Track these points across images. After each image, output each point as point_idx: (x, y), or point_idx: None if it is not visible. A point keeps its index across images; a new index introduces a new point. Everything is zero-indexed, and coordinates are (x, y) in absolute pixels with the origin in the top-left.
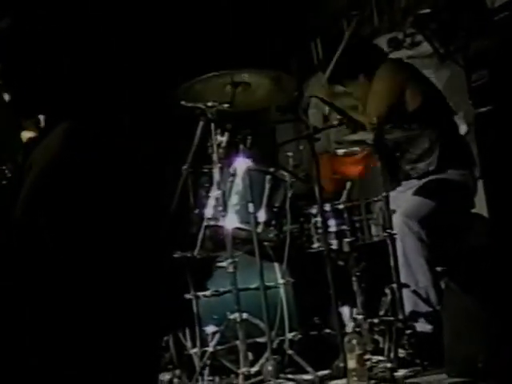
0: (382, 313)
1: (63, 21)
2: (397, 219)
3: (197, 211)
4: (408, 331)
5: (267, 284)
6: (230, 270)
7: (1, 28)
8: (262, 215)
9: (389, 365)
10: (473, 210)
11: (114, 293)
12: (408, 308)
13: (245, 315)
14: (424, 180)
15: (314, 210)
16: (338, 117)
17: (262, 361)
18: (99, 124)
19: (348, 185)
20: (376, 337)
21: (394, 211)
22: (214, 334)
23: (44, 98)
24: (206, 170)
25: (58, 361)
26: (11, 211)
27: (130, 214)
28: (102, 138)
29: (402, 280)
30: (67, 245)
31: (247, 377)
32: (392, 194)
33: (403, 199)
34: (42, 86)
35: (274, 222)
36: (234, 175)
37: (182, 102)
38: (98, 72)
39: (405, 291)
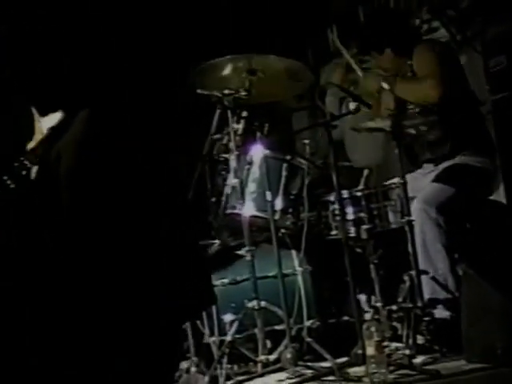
0: (400, 300)
1: (65, 17)
2: (416, 206)
3: (214, 199)
4: (426, 318)
5: (285, 272)
6: (248, 258)
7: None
8: (279, 203)
9: (407, 351)
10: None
11: (135, 282)
12: (426, 295)
13: (263, 303)
14: (442, 166)
15: (331, 198)
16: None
17: (280, 348)
18: (116, 110)
19: (365, 172)
20: (394, 324)
21: (412, 198)
22: (232, 322)
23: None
24: (222, 159)
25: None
26: (42, 200)
27: (153, 200)
28: (118, 122)
29: (421, 267)
30: (107, 229)
31: (265, 365)
32: (411, 176)
33: (421, 183)
34: (48, 84)
35: (291, 210)
36: (250, 163)
37: (199, 90)
38: (109, 61)
39: (423, 278)
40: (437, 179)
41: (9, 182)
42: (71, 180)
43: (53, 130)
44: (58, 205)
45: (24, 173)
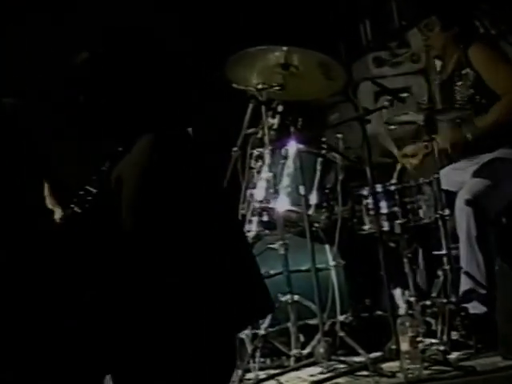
0: (434, 295)
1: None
2: (461, 199)
3: (248, 192)
4: (461, 313)
5: (318, 266)
6: (281, 251)
7: (82, 60)
8: (313, 197)
9: (442, 347)
10: None
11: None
12: (465, 288)
13: (296, 297)
14: (482, 160)
15: (365, 192)
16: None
17: (313, 343)
18: (176, 133)
19: (398, 166)
20: (428, 319)
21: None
22: None
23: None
24: (257, 153)
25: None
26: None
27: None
28: (183, 146)
29: (464, 260)
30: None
31: (298, 359)
32: (445, 170)
33: (458, 178)
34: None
35: (325, 204)
36: (285, 157)
37: (234, 85)
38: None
39: (463, 272)
40: (479, 173)
41: (75, 207)
42: (135, 205)
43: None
44: (117, 230)
45: (89, 198)
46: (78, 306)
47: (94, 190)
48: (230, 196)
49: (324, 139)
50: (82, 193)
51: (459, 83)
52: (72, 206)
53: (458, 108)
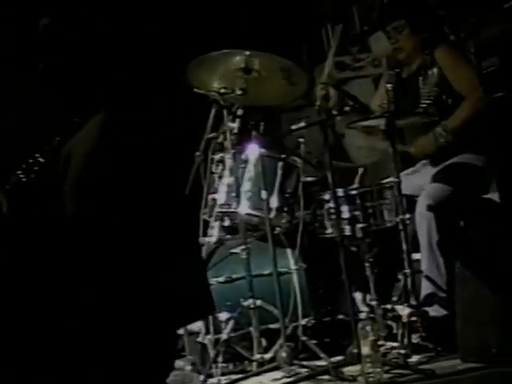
0: (395, 298)
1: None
2: (422, 204)
3: (209, 197)
4: (419, 317)
5: (280, 270)
6: (243, 256)
7: (41, 26)
8: (274, 201)
9: (402, 351)
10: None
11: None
12: (426, 292)
13: (258, 302)
14: (442, 164)
15: (326, 196)
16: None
17: (275, 347)
18: (131, 112)
19: (360, 170)
20: (389, 322)
21: (406, 196)
22: (227, 320)
23: (80, 93)
24: (218, 157)
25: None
26: (47, 199)
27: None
28: (136, 125)
29: (424, 264)
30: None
31: (261, 363)
32: (404, 174)
33: (417, 181)
34: (78, 82)
35: (286, 209)
36: (246, 162)
37: (196, 89)
38: (128, 60)
39: (423, 276)
40: (438, 178)
41: (21, 175)
42: (79, 182)
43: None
44: (58, 206)
45: (36, 168)
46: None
47: (43, 160)
48: (184, 190)
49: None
50: (30, 161)
51: (424, 84)
52: (18, 172)
53: (419, 113)
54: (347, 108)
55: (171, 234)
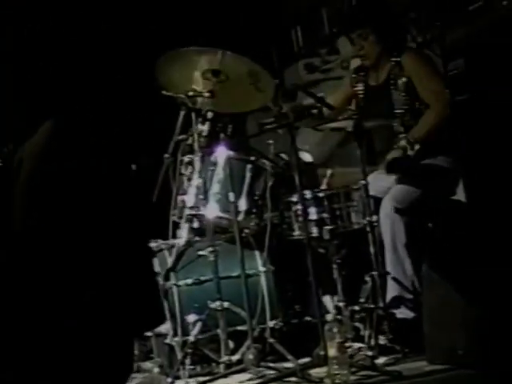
0: (362, 300)
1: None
2: (386, 205)
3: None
4: (386, 319)
5: (248, 272)
6: (211, 258)
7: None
8: (242, 204)
9: (369, 352)
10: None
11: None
12: (392, 295)
13: (226, 304)
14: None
15: (294, 198)
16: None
17: (243, 349)
18: (82, 120)
19: (328, 173)
20: (357, 324)
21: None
22: (195, 322)
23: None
24: (188, 160)
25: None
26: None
27: (115, 208)
28: (85, 133)
29: (389, 267)
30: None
31: (228, 365)
32: (372, 176)
33: (384, 183)
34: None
35: (254, 211)
36: (215, 164)
37: (163, 92)
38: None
39: (389, 278)
40: (405, 179)
41: None
42: (27, 187)
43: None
44: (9, 210)
45: None
46: None
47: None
48: (137, 198)
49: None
50: None
51: (396, 91)
52: None
53: (385, 116)
54: (314, 111)
55: (120, 239)
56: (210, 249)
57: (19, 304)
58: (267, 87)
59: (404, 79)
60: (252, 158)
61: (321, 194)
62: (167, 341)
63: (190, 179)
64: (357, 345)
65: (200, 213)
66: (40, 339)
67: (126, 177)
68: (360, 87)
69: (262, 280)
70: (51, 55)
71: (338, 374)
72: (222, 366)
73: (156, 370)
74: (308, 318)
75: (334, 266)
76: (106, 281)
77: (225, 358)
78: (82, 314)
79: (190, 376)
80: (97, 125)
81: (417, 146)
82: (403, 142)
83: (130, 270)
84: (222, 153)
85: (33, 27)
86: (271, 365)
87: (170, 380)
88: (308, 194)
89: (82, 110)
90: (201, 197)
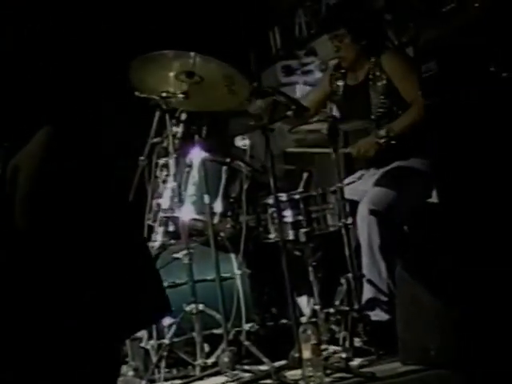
0: (337, 302)
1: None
2: (363, 208)
3: (153, 202)
4: (361, 321)
5: (223, 275)
6: (186, 261)
7: None
8: (218, 206)
9: (344, 355)
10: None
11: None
12: (367, 297)
13: (201, 307)
14: (385, 168)
15: (270, 201)
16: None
17: (218, 352)
18: (77, 127)
19: (305, 175)
20: (332, 326)
21: (350, 201)
22: (170, 325)
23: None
24: (162, 162)
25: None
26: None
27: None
28: (82, 140)
29: (365, 269)
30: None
31: (204, 368)
32: (349, 179)
33: (360, 186)
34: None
35: (230, 213)
36: (190, 166)
37: (136, 93)
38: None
39: (365, 280)
40: (381, 181)
41: None
42: (31, 195)
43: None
44: (9, 221)
45: None
46: None
47: None
48: (129, 200)
49: (228, 147)
50: None
51: (374, 93)
52: None
53: (361, 118)
54: (289, 112)
55: (120, 243)
56: (185, 252)
57: (19, 304)
58: (241, 90)
59: (384, 82)
60: (227, 160)
61: (297, 197)
62: (142, 344)
63: (164, 182)
64: (332, 347)
65: (175, 215)
66: (40, 339)
67: (117, 178)
68: (339, 84)
69: (238, 283)
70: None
71: (312, 376)
72: (197, 369)
73: (131, 373)
74: (283, 321)
75: (310, 268)
76: (106, 281)
77: (200, 361)
78: (82, 314)
79: (166, 379)
80: (87, 128)
81: (391, 141)
82: (382, 132)
83: (133, 266)
84: (196, 155)
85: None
86: (246, 367)
87: (145, 383)
88: (284, 196)
89: (76, 116)
90: (176, 199)
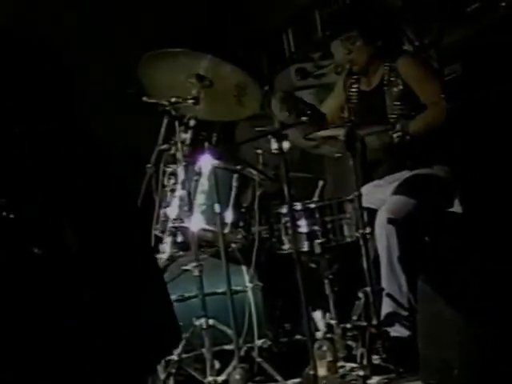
0: (355, 317)
1: None
2: (381, 218)
3: (161, 212)
4: (380, 337)
5: (234, 288)
6: (196, 273)
7: None
8: (229, 216)
9: (361, 372)
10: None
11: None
12: (387, 311)
13: (211, 321)
14: (405, 175)
15: (284, 210)
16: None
17: (229, 369)
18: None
19: (320, 183)
20: (349, 343)
21: (368, 209)
22: None
23: None
24: (170, 170)
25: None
26: None
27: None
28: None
29: (385, 282)
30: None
31: None
32: (367, 187)
33: (379, 195)
34: None
35: (241, 223)
36: (199, 174)
37: (144, 98)
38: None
39: (384, 294)
40: (400, 189)
41: None
42: None
43: None
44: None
45: None
46: None
47: None
48: (131, 206)
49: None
50: None
51: (389, 98)
52: None
53: (378, 123)
54: (304, 118)
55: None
56: (195, 263)
57: (19, 303)
58: (251, 103)
59: (400, 87)
60: (238, 167)
61: (312, 206)
62: None
63: (173, 190)
64: (349, 364)
65: (184, 225)
66: (40, 339)
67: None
68: (353, 91)
69: (250, 296)
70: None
71: None
72: None
73: None
74: (298, 337)
75: (326, 281)
76: (107, 281)
77: (210, 379)
78: (82, 314)
79: None
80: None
81: (406, 138)
82: (397, 127)
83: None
84: (206, 162)
85: None
86: None
87: None
88: (298, 205)
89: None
90: (185, 208)
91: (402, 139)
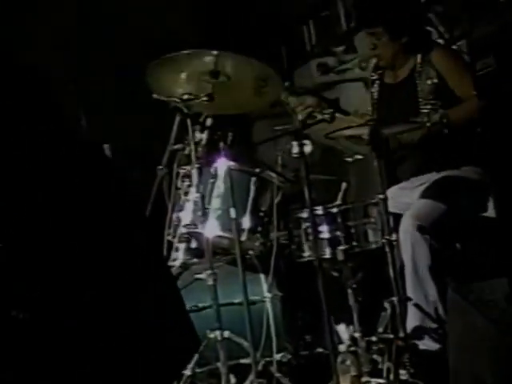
0: (380, 330)
1: None
2: (406, 223)
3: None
4: (408, 351)
5: (252, 298)
6: (210, 282)
7: None
8: (246, 221)
9: None
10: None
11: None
12: (413, 323)
13: (226, 333)
14: (433, 178)
15: (304, 215)
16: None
17: None
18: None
19: (343, 186)
20: (374, 356)
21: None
22: None
23: None
24: (184, 171)
25: None
26: None
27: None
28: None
29: (410, 292)
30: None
31: None
32: (393, 190)
33: (406, 199)
34: None
35: (259, 229)
36: (214, 176)
37: (155, 95)
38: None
39: (410, 304)
40: (428, 193)
41: None
42: None
43: None
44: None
45: None
46: None
47: None
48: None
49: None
50: None
51: (421, 92)
52: None
53: (405, 121)
54: (325, 116)
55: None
56: (209, 272)
57: (19, 303)
58: (271, 92)
59: (435, 80)
60: (257, 170)
61: (334, 210)
62: None
63: (186, 193)
64: (374, 380)
65: (198, 231)
66: (40, 339)
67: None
68: (376, 86)
69: (268, 307)
70: None
71: None
72: None
73: None
74: (319, 350)
75: (349, 291)
76: (107, 281)
77: None
78: (82, 314)
79: None
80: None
81: (444, 129)
82: (435, 117)
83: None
84: (222, 164)
85: None
86: None
87: None
88: (319, 209)
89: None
90: (199, 213)
91: (441, 128)
